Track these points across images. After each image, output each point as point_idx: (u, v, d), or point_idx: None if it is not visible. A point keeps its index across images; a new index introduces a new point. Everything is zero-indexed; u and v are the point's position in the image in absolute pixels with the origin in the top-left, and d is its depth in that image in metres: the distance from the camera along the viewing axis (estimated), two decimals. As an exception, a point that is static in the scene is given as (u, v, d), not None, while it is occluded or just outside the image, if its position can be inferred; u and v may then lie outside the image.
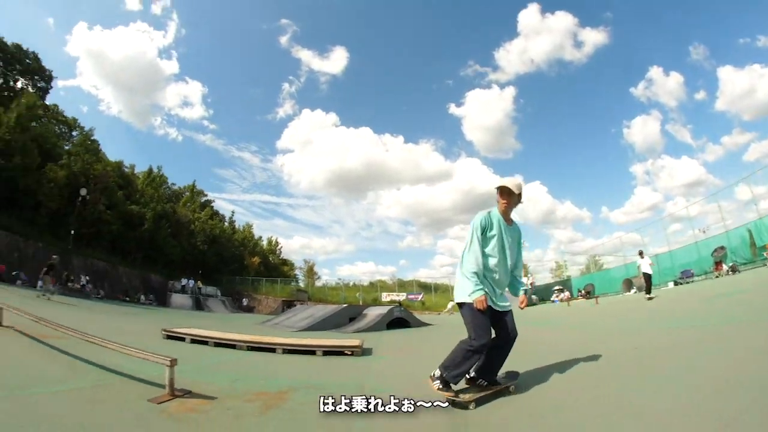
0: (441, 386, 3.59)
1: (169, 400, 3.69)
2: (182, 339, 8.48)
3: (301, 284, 52.63)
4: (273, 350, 7.50)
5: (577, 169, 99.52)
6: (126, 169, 44.94)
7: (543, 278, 41.13)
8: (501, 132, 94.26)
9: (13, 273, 27.05)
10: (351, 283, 50.94)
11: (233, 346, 7.89)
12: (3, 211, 31.49)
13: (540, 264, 74.69)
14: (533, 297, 27.43)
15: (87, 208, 35.25)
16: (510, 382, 3.95)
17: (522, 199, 3.85)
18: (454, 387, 3.64)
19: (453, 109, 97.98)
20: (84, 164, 36.43)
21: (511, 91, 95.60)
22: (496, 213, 3.81)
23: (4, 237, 29.59)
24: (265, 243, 60.95)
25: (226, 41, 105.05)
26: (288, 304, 32.91)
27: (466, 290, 3.60)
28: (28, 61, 38.95)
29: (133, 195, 42.23)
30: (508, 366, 4.01)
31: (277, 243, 63.15)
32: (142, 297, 36.13)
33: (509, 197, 3.78)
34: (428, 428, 3.07)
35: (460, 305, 3.73)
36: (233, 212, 63.68)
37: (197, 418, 3.28)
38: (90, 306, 19.96)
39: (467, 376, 3.81)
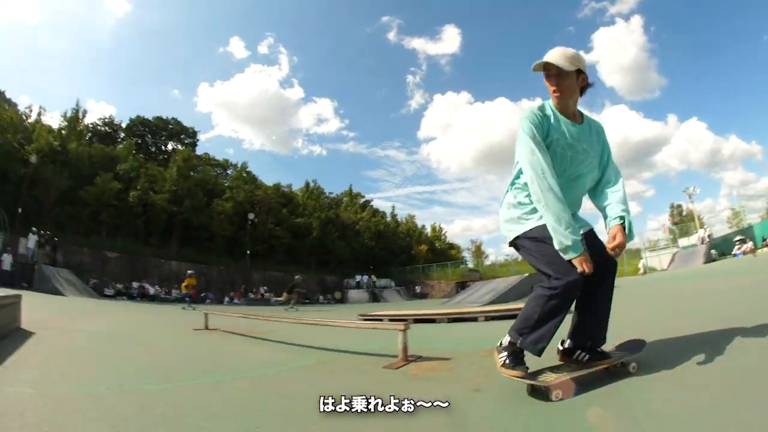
0: (508, 361, 2.27)
1: (404, 365, 3.50)
2: (380, 320, 8.23)
3: (470, 265, 49.23)
4: (474, 319, 7.21)
5: (734, 94, 77.93)
6: (284, 189, 48.27)
7: (720, 230, 33.48)
8: (641, 69, 79.91)
9: (202, 294, 29.48)
10: (520, 258, 43.09)
11: (433, 321, 7.67)
12: (185, 246, 36.12)
13: (713, 215, 61.07)
14: (712, 252, 23.72)
15: (257, 229, 39.26)
16: (629, 357, 2.35)
17: (589, 80, 2.33)
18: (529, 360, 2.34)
19: (583, 56, 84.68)
20: (246, 193, 40.96)
21: (637, 21, 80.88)
22: (550, 107, 2.33)
23: (190, 266, 32.95)
24: (428, 230, 59.64)
25: (338, 55, 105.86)
26: (461, 286, 31.60)
27: (558, 236, 2.09)
28: (170, 126, 46.01)
29: (297, 210, 45.36)
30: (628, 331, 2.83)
31: (440, 228, 61.28)
32: (321, 297, 37.55)
33: (558, 79, 2.27)
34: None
35: (515, 242, 2.40)
36: (393, 207, 61.37)
37: (443, 376, 3.07)
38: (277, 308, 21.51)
39: (560, 347, 2.51)
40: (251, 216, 37.71)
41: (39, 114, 34.84)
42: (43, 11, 74.09)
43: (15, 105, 35.68)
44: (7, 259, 19.90)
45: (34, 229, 22.74)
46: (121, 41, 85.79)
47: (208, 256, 36.07)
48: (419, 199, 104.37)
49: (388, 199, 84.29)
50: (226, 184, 42.92)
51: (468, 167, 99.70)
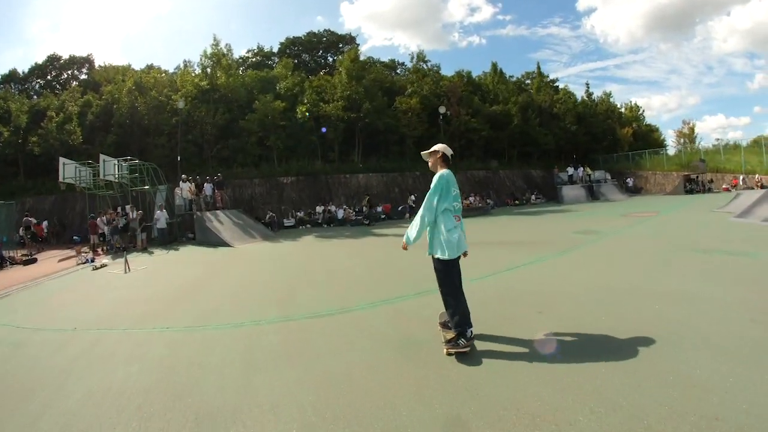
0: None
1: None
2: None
3: (671, 151, 37.59)
4: None
5: None
6: (465, 78, 37.51)
7: None
8: None
9: (400, 208, 24.49)
10: (728, 144, 34.40)
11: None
12: (369, 156, 29.84)
13: None
14: None
15: (450, 123, 30.96)
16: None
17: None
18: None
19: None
20: (430, 85, 32.47)
21: None
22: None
23: (379, 178, 28.03)
24: (623, 110, 44.31)
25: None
26: (688, 180, 25.81)
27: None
28: (324, 38, 41.79)
29: (488, 97, 35.70)
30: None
31: (637, 107, 45.18)
32: (533, 197, 29.95)
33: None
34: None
35: None
36: (588, 83, 48.20)
37: None
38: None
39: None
40: (442, 110, 29.49)
41: (185, 66, 32.15)
42: None
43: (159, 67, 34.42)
44: (162, 216, 16.57)
45: (183, 176, 18.85)
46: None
47: (399, 162, 28.72)
48: (590, 77, 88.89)
49: (560, 81, 67.88)
50: (403, 78, 34.70)
51: (639, 36, 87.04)
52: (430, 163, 3.65)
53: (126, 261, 10.23)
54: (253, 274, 8.54)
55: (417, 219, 3.41)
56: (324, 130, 27.23)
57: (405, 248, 3.44)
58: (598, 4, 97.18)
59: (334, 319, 4.44)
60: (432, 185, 3.41)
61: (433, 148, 3.62)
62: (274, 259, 10.85)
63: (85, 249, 15.52)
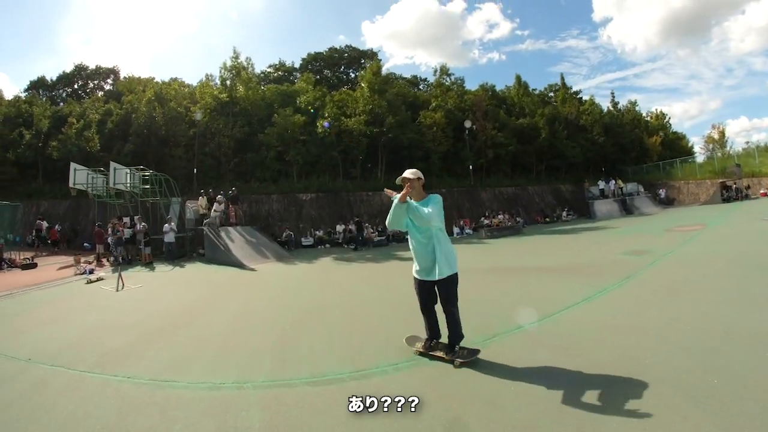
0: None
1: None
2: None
3: (699, 159, 35.15)
4: None
5: None
6: (489, 91, 36.41)
7: None
8: None
9: None
10: (758, 146, 31.36)
11: None
12: (393, 173, 29.04)
13: None
14: None
15: (477, 138, 29.90)
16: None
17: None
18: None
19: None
20: (455, 99, 31.44)
21: None
22: None
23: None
24: (649, 118, 41.85)
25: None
26: (724, 187, 23.90)
27: None
28: (346, 54, 41.75)
29: (513, 110, 34.41)
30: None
31: (663, 115, 42.21)
32: (564, 214, 27.86)
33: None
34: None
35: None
36: (613, 93, 43.34)
37: None
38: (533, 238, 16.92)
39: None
40: (468, 124, 28.69)
41: (207, 78, 32.04)
42: None
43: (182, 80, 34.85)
44: (170, 230, 15.47)
45: (203, 191, 18.51)
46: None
47: (425, 180, 28.78)
48: (611, 88, 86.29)
49: (582, 94, 66.69)
50: (426, 93, 33.79)
51: (656, 44, 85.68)
52: (409, 189, 3.52)
53: (120, 277, 9.25)
54: (255, 303, 7.42)
55: (437, 216, 3.40)
56: (327, 125, 26.17)
57: (389, 194, 3.51)
58: (613, 14, 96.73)
59: (345, 389, 3.15)
60: (438, 206, 3.52)
61: (412, 175, 3.61)
62: (285, 283, 9.75)
63: (87, 259, 14.74)
